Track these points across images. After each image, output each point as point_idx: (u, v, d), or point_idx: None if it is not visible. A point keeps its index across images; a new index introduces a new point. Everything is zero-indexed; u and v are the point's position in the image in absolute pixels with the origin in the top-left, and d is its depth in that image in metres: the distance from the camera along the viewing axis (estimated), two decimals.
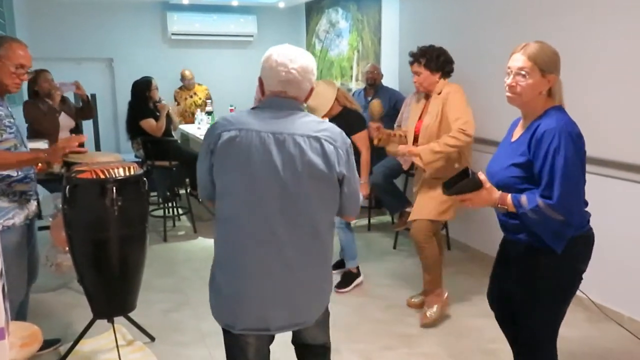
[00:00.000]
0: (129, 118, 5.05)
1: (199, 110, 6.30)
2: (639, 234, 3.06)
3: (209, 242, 4.58)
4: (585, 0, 3.26)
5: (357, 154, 3.53)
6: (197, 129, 5.71)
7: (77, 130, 4.62)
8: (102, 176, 2.52)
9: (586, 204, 1.91)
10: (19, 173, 2.39)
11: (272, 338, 1.85)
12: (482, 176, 1.81)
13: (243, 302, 1.70)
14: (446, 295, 3.32)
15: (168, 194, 5.28)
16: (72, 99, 4.79)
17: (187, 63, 7.05)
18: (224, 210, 1.70)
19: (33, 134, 3.93)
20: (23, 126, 2.83)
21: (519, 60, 1.81)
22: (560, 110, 1.84)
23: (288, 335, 1.89)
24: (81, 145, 2.43)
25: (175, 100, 6.75)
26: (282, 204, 1.64)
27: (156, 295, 3.60)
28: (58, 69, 4.81)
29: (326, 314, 1.89)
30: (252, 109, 1.75)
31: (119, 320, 2.90)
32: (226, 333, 1.79)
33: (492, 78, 3.25)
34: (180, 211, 5.45)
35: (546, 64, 1.79)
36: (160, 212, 5.13)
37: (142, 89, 4.98)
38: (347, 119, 3.48)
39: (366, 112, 4.63)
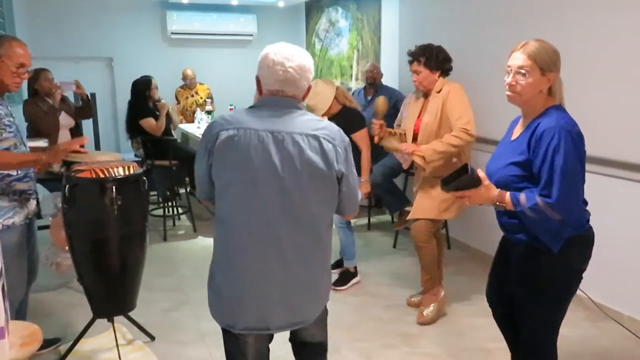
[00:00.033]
0: (129, 117, 5.05)
1: (198, 109, 6.30)
2: (639, 233, 3.07)
3: (209, 242, 4.58)
4: (585, 0, 3.26)
5: (357, 152, 3.53)
6: (197, 128, 5.71)
7: (76, 129, 4.62)
8: (101, 175, 2.52)
9: (586, 203, 1.91)
10: (19, 172, 2.39)
11: (271, 337, 1.85)
12: (481, 173, 1.81)
13: (243, 303, 1.70)
14: (442, 294, 3.32)
15: (168, 193, 5.28)
16: (71, 98, 4.79)
17: (187, 62, 7.04)
18: (224, 210, 1.70)
19: (33, 133, 3.93)
20: (22, 125, 2.83)
21: (518, 58, 1.81)
22: (561, 109, 1.83)
23: (287, 333, 1.89)
24: (82, 146, 2.43)
25: (176, 98, 6.74)
26: (282, 203, 1.64)
27: (156, 294, 3.60)
28: (57, 68, 4.80)
29: (325, 312, 1.89)
30: (250, 107, 1.74)
31: (119, 320, 2.90)
32: (226, 333, 1.79)
33: (492, 77, 3.24)
34: (180, 210, 5.46)
35: (546, 63, 1.79)
36: (160, 212, 5.13)
37: (141, 88, 4.97)
38: (346, 117, 3.48)
39: (366, 111, 4.64)
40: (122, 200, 2.53)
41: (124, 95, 5.38)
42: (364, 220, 5.15)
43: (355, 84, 6.10)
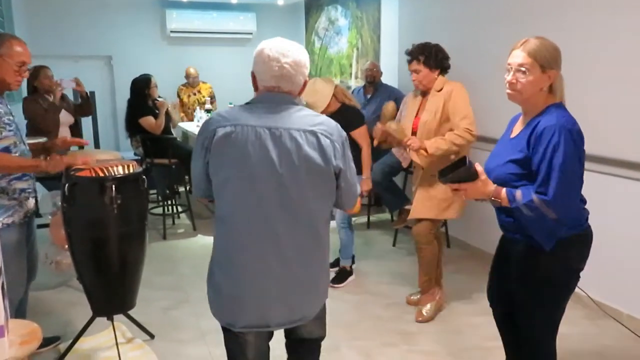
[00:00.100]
0: (128, 116, 5.04)
1: (198, 107, 6.29)
2: (638, 231, 3.07)
3: (209, 240, 4.57)
4: (585, 0, 3.26)
5: (357, 149, 3.52)
6: (197, 126, 5.71)
7: (76, 127, 4.62)
8: (101, 174, 2.52)
9: (584, 201, 1.90)
10: None
11: (271, 335, 1.85)
12: (478, 167, 1.80)
13: (243, 301, 1.70)
14: (439, 296, 3.33)
15: (167, 191, 5.28)
16: (70, 96, 4.79)
17: (186, 61, 7.04)
18: (223, 209, 1.69)
19: (33, 131, 3.92)
20: (22, 123, 2.83)
21: (518, 56, 1.80)
22: (561, 108, 1.82)
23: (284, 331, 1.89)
24: (81, 147, 2.44)
25: (178, 96, 6.72)
26: (280, 199, 1.63)
27: (156, 293, 3.61)
28: (57, 67, 4.79)
29: (323, 308, 1.89)
30: (247, 104, 1.72)
31: (119, 318, 2.90)
32: (226, 331, 1.79)
33: (492, 76, 3.24)
34: (180, 209, 5.46)
35: (546, 60, 1.78)
36: (159, 210, 5.13)
37: (141, 87, 4.97)
38: (345, 115, 3.47)
39: (365, 109, 4.64)
40: (122, 199, 2.53)
41: (123, 94, 5.38)
42: (364, 219, 5.15)
43: (355, 83, 6.10)
